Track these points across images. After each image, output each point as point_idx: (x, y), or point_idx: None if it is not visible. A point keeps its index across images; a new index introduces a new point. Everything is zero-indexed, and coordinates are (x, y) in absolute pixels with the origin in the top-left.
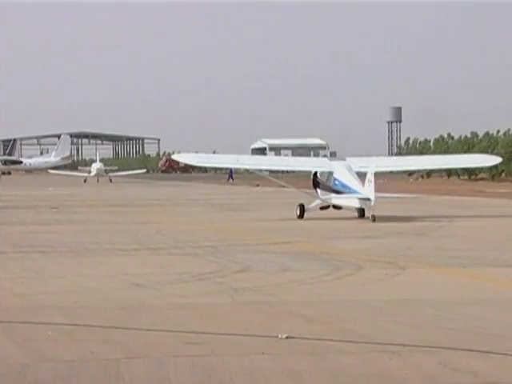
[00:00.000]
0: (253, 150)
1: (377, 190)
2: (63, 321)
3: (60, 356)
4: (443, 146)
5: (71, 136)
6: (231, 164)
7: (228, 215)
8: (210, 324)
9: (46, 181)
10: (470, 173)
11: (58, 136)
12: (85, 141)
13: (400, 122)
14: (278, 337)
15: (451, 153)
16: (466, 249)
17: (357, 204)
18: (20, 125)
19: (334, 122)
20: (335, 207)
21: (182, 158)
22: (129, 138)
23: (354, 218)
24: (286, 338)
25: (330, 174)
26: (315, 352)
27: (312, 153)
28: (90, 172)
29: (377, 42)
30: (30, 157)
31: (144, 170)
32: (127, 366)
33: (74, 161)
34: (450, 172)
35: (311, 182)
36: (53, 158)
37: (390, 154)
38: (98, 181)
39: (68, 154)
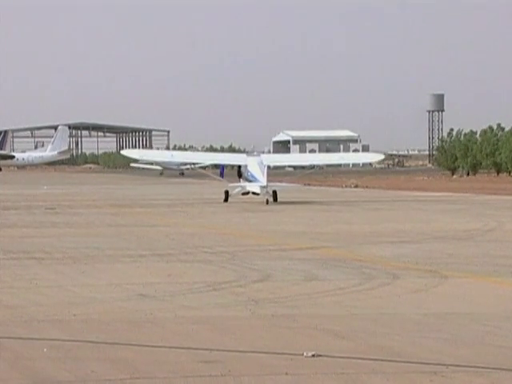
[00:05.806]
0: (274, 143)
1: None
2: (60, 336)
3: (56, 376)
4: (492, 138)
5: (69, 127)
6: (167, 159)
7: (246, 217)
8: (226, 340)
9: (41, 178)
10: None
11: (55, 127)
12: (85, 133)
13: (442, 111)
14: (303, 355)
15: (500, 145)
16: None
17: (258, 190)
18: (12, 114)
19: (366, 111)
20: (254, 193)
21: (128, 153)
22: (134, 130)
23: (383, 222)
24: (313, 356)
25: (246, 167)
26: (345, 372)
27: (342, 146)
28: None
29: (415, 19)
30: (23, 151)
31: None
32: None
33: (72, 155)
34: (499, 168)
35: (236, 173)
36: (49, 152)
37: (431, 146)
38: (181, 173)
39: (66, 147)
